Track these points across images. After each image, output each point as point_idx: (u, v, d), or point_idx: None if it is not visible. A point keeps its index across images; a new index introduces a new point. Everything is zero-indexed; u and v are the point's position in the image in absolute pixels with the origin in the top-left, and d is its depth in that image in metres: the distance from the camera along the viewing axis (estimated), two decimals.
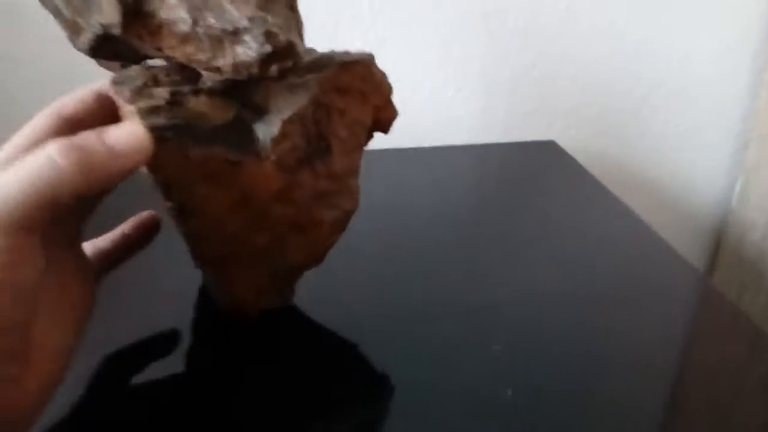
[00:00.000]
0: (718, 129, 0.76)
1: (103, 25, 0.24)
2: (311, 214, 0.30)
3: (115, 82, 0.25)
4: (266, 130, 0.27)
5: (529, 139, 0.70)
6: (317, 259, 0.33)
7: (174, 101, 0.25)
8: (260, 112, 0.27)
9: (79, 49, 0.26)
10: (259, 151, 0.26)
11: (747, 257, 0.76)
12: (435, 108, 0.68)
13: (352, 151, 0.33)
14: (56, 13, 0.25)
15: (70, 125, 0.25)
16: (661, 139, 0.75)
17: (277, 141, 0.26)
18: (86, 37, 0.25)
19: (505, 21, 0.65)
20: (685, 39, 0.70)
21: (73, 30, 0.25)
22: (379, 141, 0.68)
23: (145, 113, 0.23)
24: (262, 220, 0.28)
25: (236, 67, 0.24)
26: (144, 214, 0.32)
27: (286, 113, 0.27)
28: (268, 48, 0.24)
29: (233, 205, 0.27)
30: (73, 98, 0.26)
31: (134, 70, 0.26)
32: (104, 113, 0.26)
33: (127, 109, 0.24)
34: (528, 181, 0.59)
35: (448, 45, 0.65)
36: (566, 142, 0.71)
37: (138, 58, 0.27)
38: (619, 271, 0.43)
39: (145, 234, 0.31)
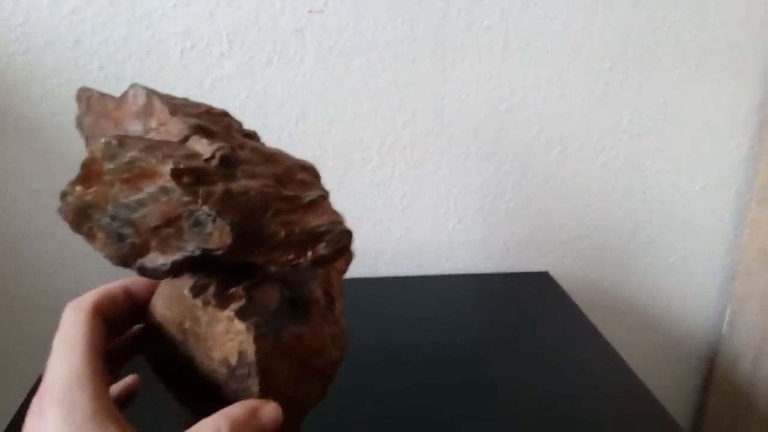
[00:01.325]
0: (705, 261, 0.80)
1: (205, 249, 0.26)
2: (330, 358, 0.34)
3: (196, 292, 0.28)
4: (304, 300, 0.31)
5: (525, 267, 0.75)
6: (325, 395, 0.37)
7: (249, 296, 0.29)
8: (288, 283, 0.32)
9: (139, 268, 0.27)
10: (310, 319, 0.30)
11: (739, 385, 0.78)
12: (437, 238, 0.73)
13: (341, 296, 0.37)
14: (117, 237, 0.27)
15: (107, 322, 0.28)
16: (652, 269, 0.79)
17: (316, 305, 0.31)
18: (168, 259, 0.27)
19: (502, 163, 0.71)
20: (673, 178, 0.75)
21: (139, 251, 0.27)
22: (386, 268, 0.74)
23: (241, 314, 0.28)
24: (305, 374, 0.32)
25: (316, 261, 0.28)
26: (128, 379, 0.33)
27: (314, 282, 0.32)
28: (341, 244, 0.29)
29: (294, 372, 0.30)
30: (106, 295, 0.29)
31: (197, 277, 0.29)
32: (131, 306, 0.30)
33: (223, 315, 0.28)
34: (521, 312, 0.63)
35: (450, 182, 0.71)
36: (561, 272, 0.75)
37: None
38: (593, 404, 0.47)
39: (126, 398, 0.33)
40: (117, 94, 0.30)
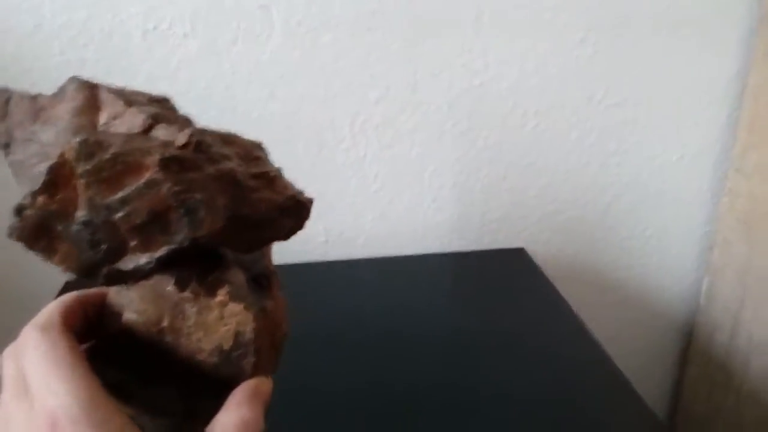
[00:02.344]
0: (683, 232, 0.80)
1: (194, 238, 0.26)
2: (284, 330, 0.34)
3: (182, 286, 0.29)
4: (264, 276, 0.32)
5: (501, 244, 0.74)
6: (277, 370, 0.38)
7: (228, 281, 0.30)
8: (243, 264, 0.32)
9: (110, 274, 0.27)
10: (271, 294, 0.31)
11: (716, 357, 0.79)
12: (413, 218, 0.73)
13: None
14: (89, 245, 0.26)
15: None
16: (629, 241, 0.79)
17: (274, 279, 0.32)
18: (153, 256, 0.27)
19: (476, 139, 0.70)
20: (650, 149, 0.75)
21: (114, 256, 0.26)
22: (362, 250, 0.73)
23: (233, 297, 0.29)
24: (272, 349, 0.32)
25: (289, 233, 0.31)
26: None
27: (265, 258, 0.33)
28: (308, 213, 0.31)
29: (267, 348, 0.31)
30: (68, 311, 0.28)
31: (173, 272, 0.29)
32: (85, 319, 0.29)
33: (215, 301, 0.28)
34: (496, 291, 0.63)
35: (424, 160, 0.70)
36: (537, 248, 0.75)
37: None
38: (562, 383, 0.48)
39: None
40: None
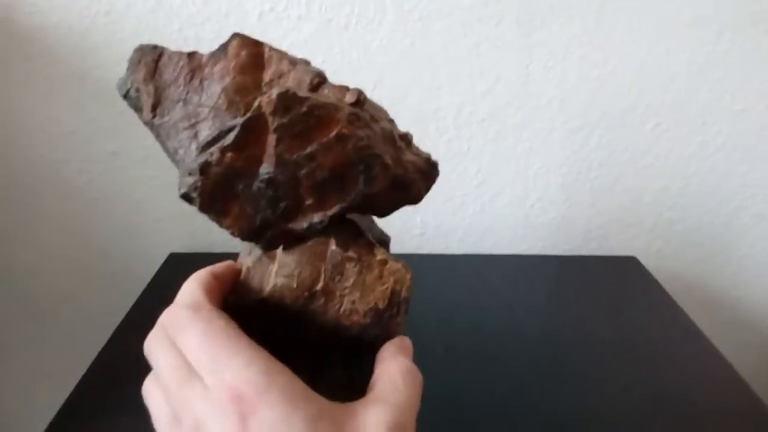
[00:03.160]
0: None
1: (366, 194, 0.26)
2: None
3: (345, 246, 0.28)
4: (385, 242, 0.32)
5: (608, 251, 0.70)
6: None
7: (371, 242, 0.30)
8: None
9: (274, 236, 0.27)
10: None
11: None
12: (514, 215, 0.69)
13: None
14: (268, 203, 0.26)
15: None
16: (747, 260, 0.72)
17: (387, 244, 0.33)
18: (326, 215, 0.26)
19: (589, 137, 0.66)
20: None
21: (289, 215, 0.26)
22: (458, 246, 0.70)
23: (389, 256, 0.29)
24: None
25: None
26: None
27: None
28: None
29: None
30: (219, 281, 0.28)
31: (331, 234, 0.29)
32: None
33: (376, 260, 0.28)
34: (605, 298, 0.59)
35: (530, 157, 0.67)
36: (648, 258, 0.70)
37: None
38: (687, 395, 0.42)
39: None
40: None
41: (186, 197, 0.26)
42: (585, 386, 0.43)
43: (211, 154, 0.25)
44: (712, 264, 0.72)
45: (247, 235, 0.27)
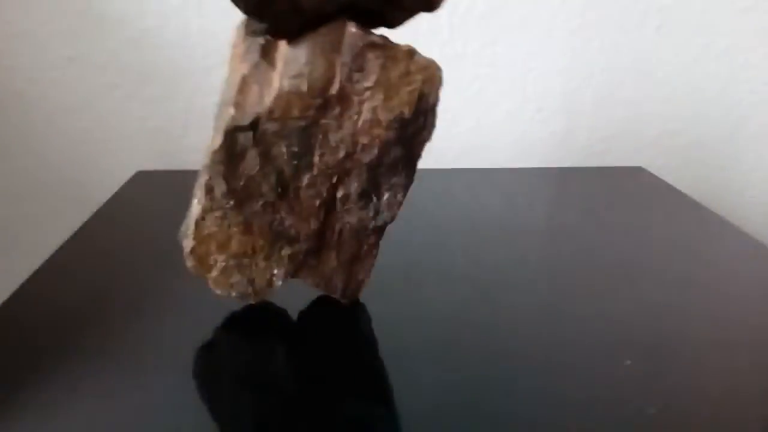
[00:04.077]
0: None
1: None
2: None
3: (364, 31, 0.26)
4: None
5: (613, 164, 0.66)
6: None
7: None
8: None
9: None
10: None
11: None
12: (512, 128, 0.65)
13: None
14: None
15: None
16: (755, 173, 0.69)
17: None
18: None
19: (591, 39, 0.62)
20: None
21: None
22: (451, 161, 0.65)
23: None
24: None
25: None
26: None
27: None
28: None
29: None
30: None
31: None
32: None
33: (402, 51, 0.26)
34: (618, 203, 0.54)
35: (529, 62, 0.62)
36: (653, 171, 0.66)
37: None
38: (731, 291, 0.37)
39: None
40: None
41: None
42: (625, 285, 0.38)
43: None
44: (717, 178, 0.69)
45: (251, 7, 0.24)
